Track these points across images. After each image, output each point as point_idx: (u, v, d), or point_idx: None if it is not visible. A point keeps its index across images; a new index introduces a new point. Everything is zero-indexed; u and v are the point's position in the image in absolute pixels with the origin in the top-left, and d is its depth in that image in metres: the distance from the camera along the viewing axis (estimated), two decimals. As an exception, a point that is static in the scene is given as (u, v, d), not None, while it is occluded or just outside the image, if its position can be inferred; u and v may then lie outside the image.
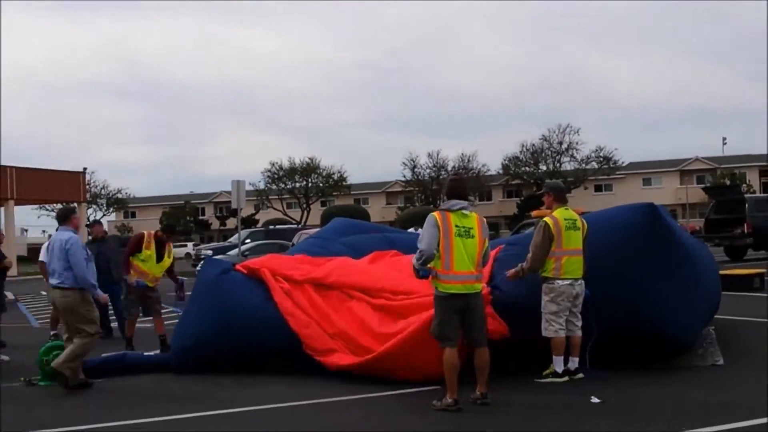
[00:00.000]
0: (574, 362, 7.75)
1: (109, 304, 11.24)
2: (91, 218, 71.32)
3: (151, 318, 11.26)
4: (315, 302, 8.94)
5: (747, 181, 65.76)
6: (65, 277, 8.58)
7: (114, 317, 13.04)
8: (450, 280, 6.78)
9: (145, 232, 11.35)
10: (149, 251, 11.03)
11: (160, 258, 11.11)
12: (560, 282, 7.71)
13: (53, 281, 8.70)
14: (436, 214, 6.97)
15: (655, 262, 7.95)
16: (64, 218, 9.03)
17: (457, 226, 6.83)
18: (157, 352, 10.36)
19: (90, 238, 13.60)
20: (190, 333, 9.25)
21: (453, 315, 6.81)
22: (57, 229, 9.05)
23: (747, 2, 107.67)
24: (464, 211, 6.93)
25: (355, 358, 8.21)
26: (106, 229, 13.06)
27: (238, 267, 9.88)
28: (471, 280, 6.83)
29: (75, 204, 43.81)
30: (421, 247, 6.84)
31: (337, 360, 8.32)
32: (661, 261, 7.98)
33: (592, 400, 6.76)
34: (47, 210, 73.41)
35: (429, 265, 6.83)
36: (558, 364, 7.68)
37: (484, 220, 7.20)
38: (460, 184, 7.34)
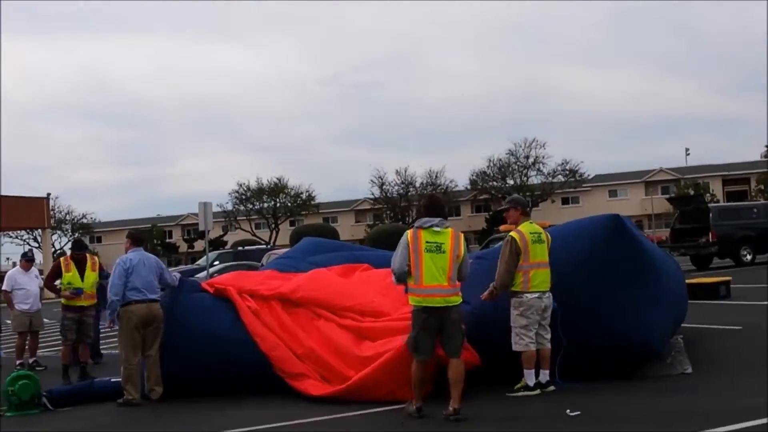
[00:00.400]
0: (544, 375, 7.78)
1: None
2: (56, 245, 70.61)
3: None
4: (283, 321, 8.90)
5: (710, 191, 66.84)
6: (158, 292, 9.18)
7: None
8: (419, 294, 7.01)
9: (61, 259, 11.73)
10: (70, 273, 11.36)
11: (83, 276, 11.40)
12: (529, 295, 7.75)
13: (151, 296, 9.03)
14: (408, 232, 7.27)
15: (621, 272, 8.02)
16: (142, 241, 9.71)
17: (428, 242, 7.07)
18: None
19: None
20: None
21: (428, 328, 7.00)
22: (128, 251, 9.37)
23: (706, 15, 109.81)
24: (435, 228, 7.13)
25: (328, 388, 8.17)
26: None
27: (203, 285, 9.82)
28: (442, 294, 6.98)
29: (40, 230, 43.24)
30: (392, 267, 7.22)
31: (309, 389, 8.26)
32: (627, 271, 8.05)
33: (568, 413, 6.77)
34: (11, 237, 72.40)
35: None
36: (529, 377, 7.70)
37: (461, 235, 7.37)
38: (435, 201, 7.57)
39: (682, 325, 9.63)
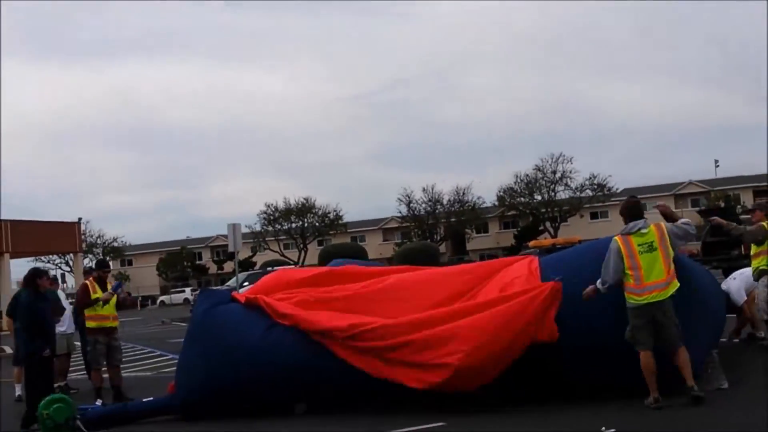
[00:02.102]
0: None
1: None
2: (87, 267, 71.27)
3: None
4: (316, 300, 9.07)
5: (742, 203, 66.01)
6: None
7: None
8: (642, 293, 7.53)
9: (87, 282, 11.61)
10: (97, 294, 11.31)
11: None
12: None
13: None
14: (618, 239, 7.73)
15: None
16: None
17: (639, 245, 7.64)
18: (153, 398, 10.20)
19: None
20: (192, 375, 9.12)
21: (645, 322, 7.51)
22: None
23: (737, 23, 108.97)
24: (642, 230, 7.70)
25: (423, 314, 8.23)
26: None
27: (235, 295, 9.87)
28: (660, 288, 7.53)
29: (72, 254, 43.74)
30: (606, 277, 7.69)
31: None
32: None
33: (603, 431, 6.70)
34: (43, 262, 73.29)
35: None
36: None
37: (663, 226, 7.82)
38: (636, 205, 8.02)
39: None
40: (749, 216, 9.34)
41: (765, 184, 71.45)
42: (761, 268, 9.82)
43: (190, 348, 9.40)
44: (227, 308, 9.46)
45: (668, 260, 7.62)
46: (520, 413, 7.79)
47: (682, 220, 8.01)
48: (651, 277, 7.52)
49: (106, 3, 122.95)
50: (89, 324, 11.37)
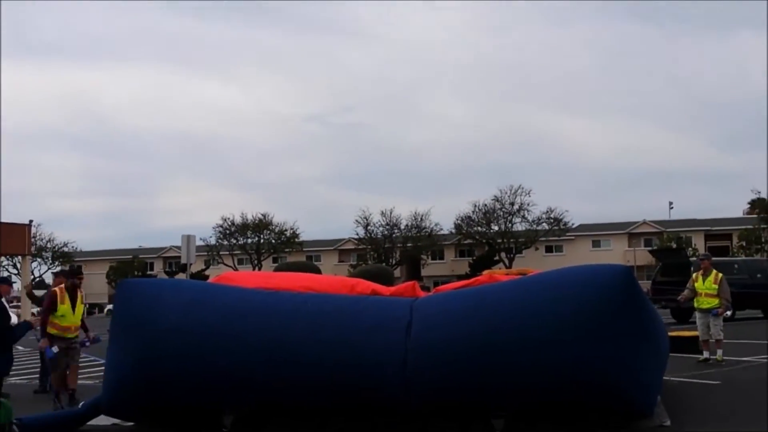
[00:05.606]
0: None
1: None
2: (36, 272, 69.87)
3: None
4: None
5: (693, 245, 67.26)
6: None
7: None
8: None
9: (56, 289, 11.27)
10: (65, 305, 11.10)
11: (74, 307, 11.21)
12: None
13: None
14: None
15: (629, 329, 7.69)
16: None
17: None
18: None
19: None
20: (116, 370, 8.33)
21: None
22: None
23: (698, 69, 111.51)
24: None
25: None
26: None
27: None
28: None
29: (20, 257, 42.71)
30: None
31: None
32: (634, 328, 7.75)
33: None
34: (-10, 263, 71.64)
35: None
36: None
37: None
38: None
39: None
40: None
41: (716, 228, 73.14)
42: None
43: (115, 343, 8.50)
44: (148, 294, 8.50)
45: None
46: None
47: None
48: None
49: (65, 4, 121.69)
50: (50, 330, 11.05)
